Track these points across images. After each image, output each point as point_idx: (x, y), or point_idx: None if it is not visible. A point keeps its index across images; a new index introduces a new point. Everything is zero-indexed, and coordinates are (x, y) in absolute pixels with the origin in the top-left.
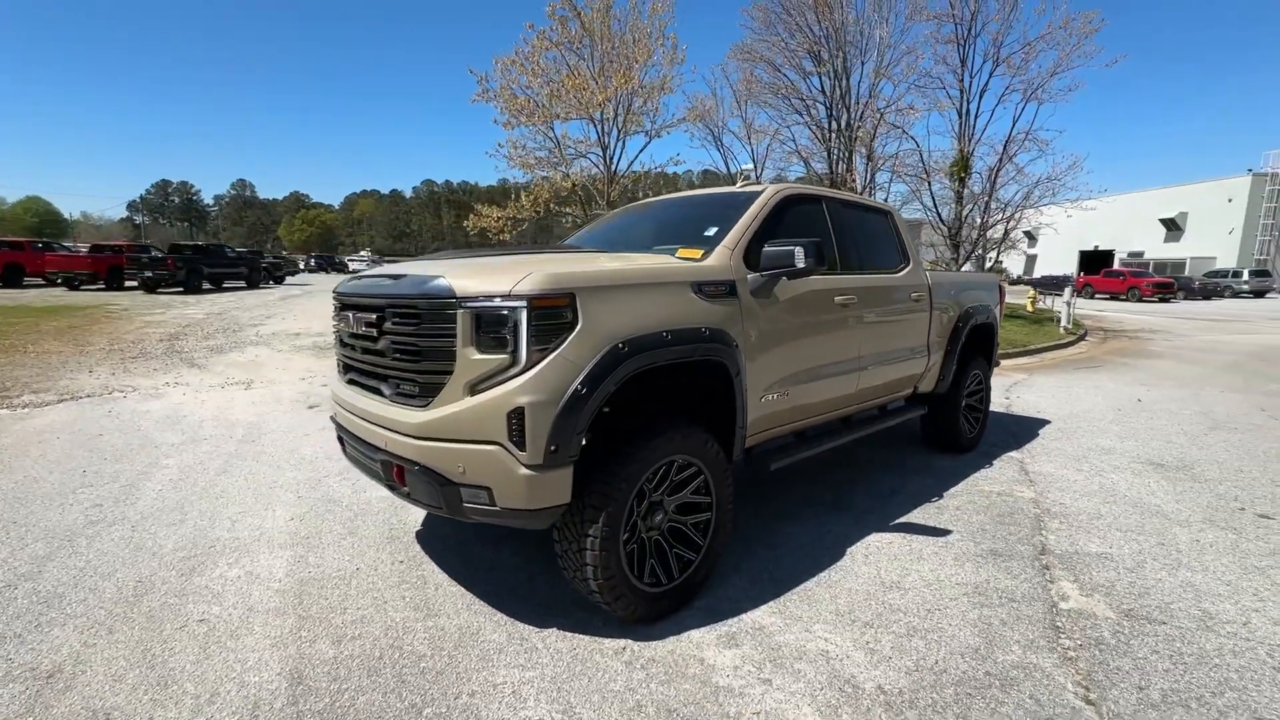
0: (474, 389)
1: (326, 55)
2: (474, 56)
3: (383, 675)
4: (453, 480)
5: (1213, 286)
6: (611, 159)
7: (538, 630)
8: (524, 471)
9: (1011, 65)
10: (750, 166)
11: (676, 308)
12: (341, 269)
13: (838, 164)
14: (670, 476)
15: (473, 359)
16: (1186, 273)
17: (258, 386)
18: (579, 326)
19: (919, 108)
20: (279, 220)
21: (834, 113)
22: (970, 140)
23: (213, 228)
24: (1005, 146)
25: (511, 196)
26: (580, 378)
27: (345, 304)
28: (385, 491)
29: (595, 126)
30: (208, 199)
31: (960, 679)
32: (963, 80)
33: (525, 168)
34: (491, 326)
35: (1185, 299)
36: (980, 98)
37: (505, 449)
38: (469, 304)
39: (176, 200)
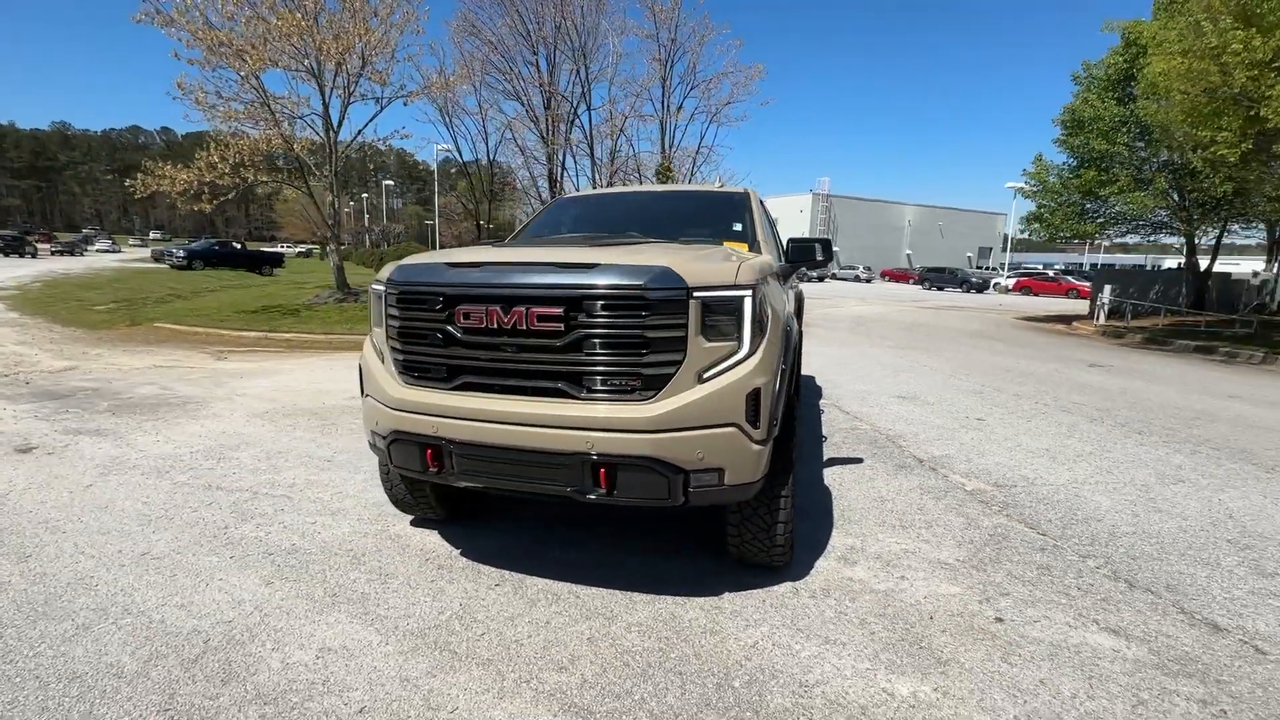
0: (701, 376)
1: None
2: None
3: (653, 675)
4: (685, 468)
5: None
6: (336, 125)
7: (716, 598)
8: (756, 447)
9: (703, 90)
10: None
11: (780, 294)
12: None
13: (556, 156)
14: None
15: (704, 347)
16: None
17: None
18: (770, 312)
19: (643, 115)
20: None
21: (569, 111)
22: (671, 148)
23: None
24: (695, 157)
25: (206, 149)
26: (781, 357)
27: (471, 296)
28: (346, 526)
29: (315, 82)
30: None
31: (985, 540)
32: (665, 96)
33: (230, 119)
34: (721, 315)
35: None
36: (678, 113)
37: (741, 429)
38: (700, 293)
39: None
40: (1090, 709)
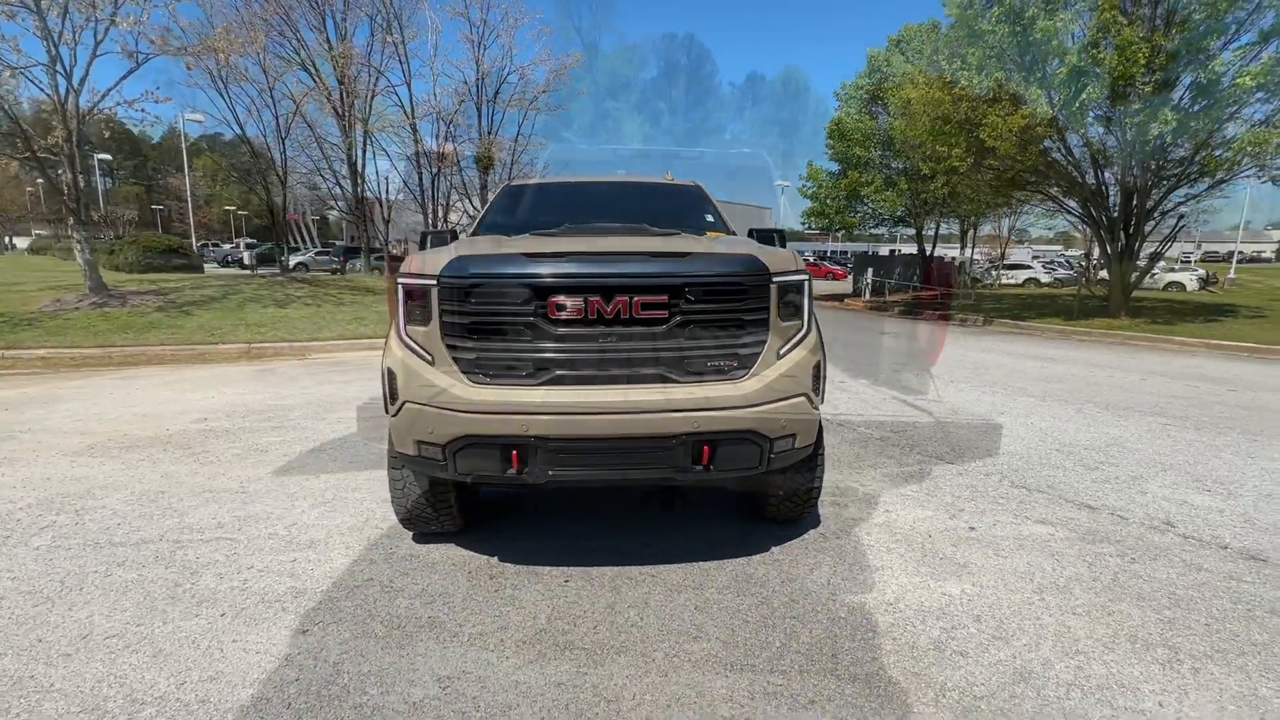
0: (779, 353)
1: None
2: None
3: (775, 624)
4: (771, 436)
5: None
6: (75, 80)
7: (767, 553)
8: (816, 413)
9: (521, 75)
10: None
11: None
12: None
13: (354, 137)
14: None
15: (781, 326)
16: None
17: None
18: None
19: (464, 97)
20: None
21: (370, 85)
22: (491, 136)
23: None
24: (514, 145)
25: None
26: (820, 332)
27: (569, 287)
28: (340, 556)
29: (37, 20)
30: None
31: (920, 474)
32: (480, 79)
33: None
34: (792, 297)
35: None
36: (495, 98)
37: (809, 398)
38: (778, 278)
39: None
40: (1070, 574)
